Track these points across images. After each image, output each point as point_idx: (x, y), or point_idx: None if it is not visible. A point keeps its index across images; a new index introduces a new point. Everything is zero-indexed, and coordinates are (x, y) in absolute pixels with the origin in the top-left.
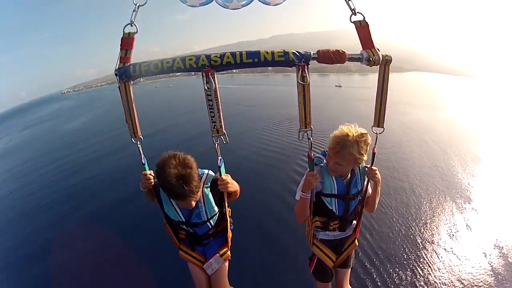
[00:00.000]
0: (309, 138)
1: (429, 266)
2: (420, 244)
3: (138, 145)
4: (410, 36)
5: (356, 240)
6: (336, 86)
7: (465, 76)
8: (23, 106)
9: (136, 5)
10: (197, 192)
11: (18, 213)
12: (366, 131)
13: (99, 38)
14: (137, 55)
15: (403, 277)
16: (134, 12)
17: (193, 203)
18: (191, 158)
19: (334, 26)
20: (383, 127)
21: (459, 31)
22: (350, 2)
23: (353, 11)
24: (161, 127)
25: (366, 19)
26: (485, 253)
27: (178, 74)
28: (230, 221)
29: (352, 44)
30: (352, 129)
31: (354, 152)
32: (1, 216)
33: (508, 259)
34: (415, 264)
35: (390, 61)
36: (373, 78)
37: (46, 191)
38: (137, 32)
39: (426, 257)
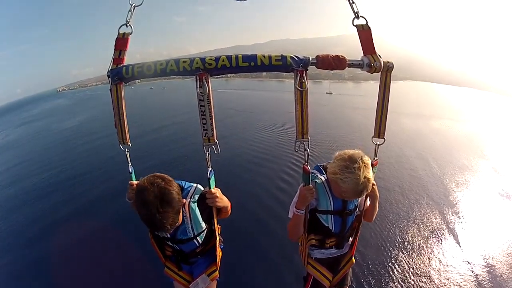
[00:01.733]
0: (305, 150)
1: (417, 273)
2: (407, 251)
3: (126, 152)
4: (407, 40)
5: (353, 258)
6: (326, 93)
7: (461, 86)
8: (18, 102)
9: (132, 5)
10: (173, 227)
11: (16, 204)
12: (367, 158)
13: (96, 38)
14: (133, 56)
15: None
16: (130, 12)
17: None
18: (172, 188)
19: (330, 32)
20: (383, 138)
21: (460, 37)
22: (354, 5)
23: (356, 15)
24: (153, 128)
25: (369, 24)
26: (469, 262)
27: (173, 76)
28: (219, 239)
29: (347, 50)
30: (362, 168)
31: (370, 184)
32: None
33: (492, 267)
34: (402, 272)
35: (392, 68)
36: (366, 86)
37: (43, 184)
38: (131, 33)
39: (414, 264)
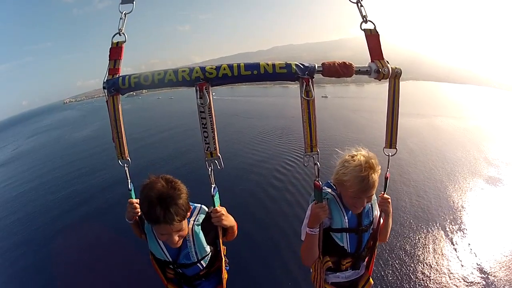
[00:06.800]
0: (315, 164)
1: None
2: (416, 260)
3: (125, 168)
4: (407, 40)
5: (370, 278)
6: (322, 97)
7: (466, 84)
8: (26, 114)
9: (122, 13)
10: (179, 222)
11: (27, 210)
12: (367, 151)
13: (98, 50)
14: (138, 67)
15: None
16: (121, 20)
17: (176, 239)
18: (182, 184)
19: (332, 36)
20: (396, 148)
21: (462, 34)
22: (362, 8)
23: (364, 19)
24: (157, 138)
25: (377, 28)
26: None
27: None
28: (225, 260)
29: (351, 53)
30: (361, 157)
31: (376, 179)
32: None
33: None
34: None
35: (400, 74)
36: (368, 88)
37: (54, 192)
38: (125, 41)
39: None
